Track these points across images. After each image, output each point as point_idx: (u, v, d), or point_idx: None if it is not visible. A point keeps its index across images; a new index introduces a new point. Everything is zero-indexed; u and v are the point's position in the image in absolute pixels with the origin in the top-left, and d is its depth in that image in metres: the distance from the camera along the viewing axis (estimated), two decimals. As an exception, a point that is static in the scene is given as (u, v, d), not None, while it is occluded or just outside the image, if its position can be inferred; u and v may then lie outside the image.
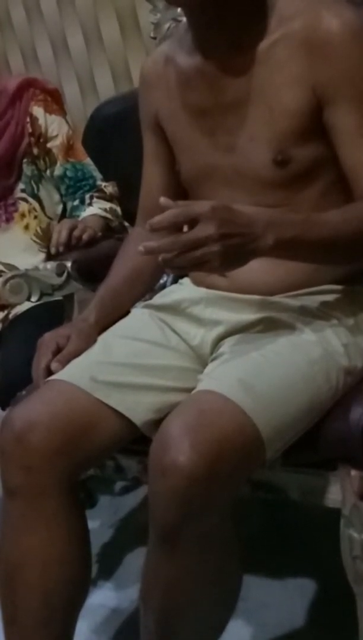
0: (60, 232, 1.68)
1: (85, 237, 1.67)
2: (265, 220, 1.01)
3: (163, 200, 0.99)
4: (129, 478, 1.27)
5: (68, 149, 1.80)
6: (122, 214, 1.79)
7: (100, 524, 1.77)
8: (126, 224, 1.79)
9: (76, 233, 1.67)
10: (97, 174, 1.84)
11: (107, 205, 1.79)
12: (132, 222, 1.43)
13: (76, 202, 1.81)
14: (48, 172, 1.80)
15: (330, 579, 1.44)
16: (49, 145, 1.78)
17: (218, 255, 0.96)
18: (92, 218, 1.76)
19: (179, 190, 1.30)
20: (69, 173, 1.80)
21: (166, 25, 1.62)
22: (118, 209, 1.80)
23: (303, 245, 1.05)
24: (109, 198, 1.81)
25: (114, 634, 1.48)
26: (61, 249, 1.66)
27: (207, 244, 0.96)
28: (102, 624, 1.50)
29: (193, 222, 0.97)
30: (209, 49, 1.15)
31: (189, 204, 1.00)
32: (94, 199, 1.79)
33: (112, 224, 1.78)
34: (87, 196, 1.80)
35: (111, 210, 1.79)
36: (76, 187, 1.81)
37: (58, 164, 1.80)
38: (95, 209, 1.78)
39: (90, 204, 1.79)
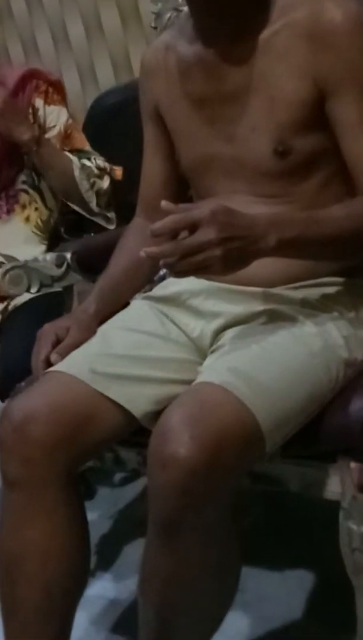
0: None
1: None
2: (266, 221, 1.01)
3: (163, 204, 0.99)
4: (129, 470, 1.27)
5: (65, 138, 1.80)
6: (123, 204, 1.78)
7: (99, 515, 1.77)
8: (110, 215, 1.79)
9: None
10: None
11: (97, 179, 1.77)
12: (132, 213, 1.43)
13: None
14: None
15: (329, 571, 1.44)
16: (47, 136, 1.78)
17: (219, 259, 0.96)
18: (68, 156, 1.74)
19: (180, 180, 1.30)
20: None
21: (167, 15, 1.61)
22: (103, 188, 1.78)
23: (306, 244, 1.05)
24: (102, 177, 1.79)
25: (112, 624, 1.48)
26: None
27: (208, 248, 0.96)
28: (101, 614, 1.50)
29: (193, 226, 0.96)
30: (210, 38, 1.15)
31: (189, 208, 0.99)
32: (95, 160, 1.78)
33: (83, 183, 1.75)
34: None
35: (96, 183, 1.76)
36: None
37: None
38: (87, 162, 1.76)
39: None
